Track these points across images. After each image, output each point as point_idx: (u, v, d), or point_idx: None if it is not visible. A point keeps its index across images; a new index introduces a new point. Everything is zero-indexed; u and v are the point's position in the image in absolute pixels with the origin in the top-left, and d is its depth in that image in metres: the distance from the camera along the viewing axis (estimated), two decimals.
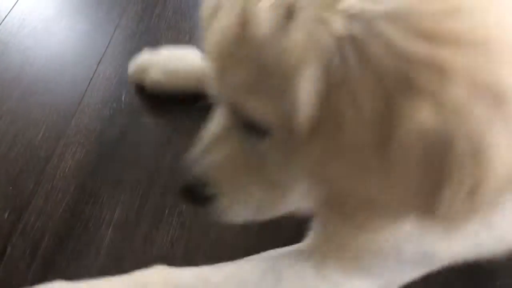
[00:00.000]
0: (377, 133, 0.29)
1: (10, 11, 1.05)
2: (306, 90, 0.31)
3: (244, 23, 0.34)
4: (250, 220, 0.52)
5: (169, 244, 0.70)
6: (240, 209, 0.50)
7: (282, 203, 0.50)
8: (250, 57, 0.35)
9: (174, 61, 0.87)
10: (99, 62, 0.94)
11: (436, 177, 0.29)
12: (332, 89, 0.30)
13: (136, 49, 0.97)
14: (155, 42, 0.99)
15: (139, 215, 0.73)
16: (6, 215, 0.72)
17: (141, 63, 0.87)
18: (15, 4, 1.06)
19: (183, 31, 1.02)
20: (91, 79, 0.91)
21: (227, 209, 0.50)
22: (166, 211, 0.74)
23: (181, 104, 0.86)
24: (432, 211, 0.31)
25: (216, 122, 0.48)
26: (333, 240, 0.53)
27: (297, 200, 0.49)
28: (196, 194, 0.49)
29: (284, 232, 0.71)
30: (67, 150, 0.81)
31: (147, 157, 0.81)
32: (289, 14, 0.31)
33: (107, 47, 0.98)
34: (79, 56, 0.95)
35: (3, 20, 1.03)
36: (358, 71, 0.29)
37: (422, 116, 0.28)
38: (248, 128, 0.42)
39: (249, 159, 0.45)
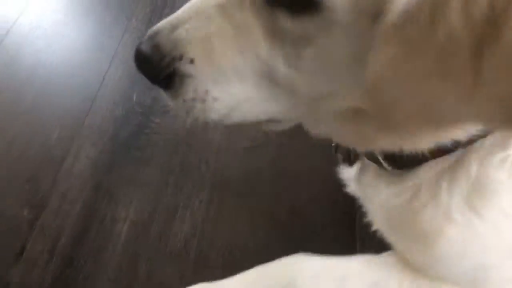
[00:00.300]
0: (478, 36, 0.27)
1: (20, 14, 1.07)
2: None
3: None
4: (214, 121, 0.43)
5: (182, 242, 0.73)
6: (210, 104, 0.41)
7: (265, 107, 0.42)
8: None
9: None
10: (109, 64, 0.96)
11: None
12: None
13: None
14: None
15: (152, 214, 0.76)
16: (25, 213, 0.75)
17: None
18: (25, 8, 1.08)
19: None
20: (102, 80, 0.93)
21: (193, 101, 0.41)
22: (179, 211, 0.76)
23: None
24: None
25: None
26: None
27: (281, 108, 0.42)
28: (157, 67, 0.41)
29: (294, 232, 0.74)
30: (82, 150, 0.83)
31: (159, 156, 0.83)
32: None
33: (116, 49, 1.00)
34: (90, 58, 0.97)
35: (15, 22, 1.05)
36: None
37: None
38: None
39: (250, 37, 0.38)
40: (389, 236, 0.53)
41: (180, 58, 0.40)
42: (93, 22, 1.05)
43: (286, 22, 0.36)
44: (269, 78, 0.40)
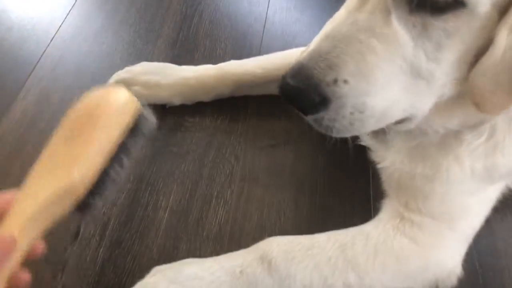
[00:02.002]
0: None
1: (63, 21, 1.17)
2: None
3: None
4: (370, 129, 0.53)
5: (217, 227, 0.82)
6: (368, 113, 0.49)
7: (407, 104, 0.50)
8: None
9: (155, 75, 0.95)
10: None
11: None
12: None
13: (177, 56, 1.09)
14: (194, 49, 1.11)
15: (190, 202, 0.85)
16: None
17: (122, 78, 0.95)
18: (67, 16, 1.18)
19: (218, 39, 1.13)
20: None
21: (351, 114, 0.49)
22: (213, 200, 0.85)
23: (219, 105, 0.98)
24: None
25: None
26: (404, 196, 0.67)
27: (421, 101, 0.51)
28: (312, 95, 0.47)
29: (316, 219, 0.83)
30: None
31: (194, 152, 0.92)
32: None
33: (151, 54, 1.10)
34: (128, 62, 1.06)
35: (58, 29, 1.15)
36: None
37: None
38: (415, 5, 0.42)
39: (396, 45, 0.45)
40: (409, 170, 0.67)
41: (335, 82, 0.46)
42: (128, 30, 1.15)
43: (431, 22, 0.43)
44: (413, 75, 0.46)
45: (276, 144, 0.94)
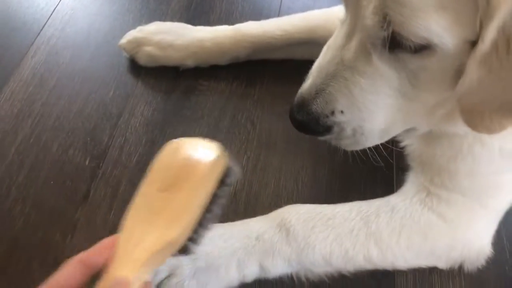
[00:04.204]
0: None
1: None
2: (501, 18, 0.40)
3: None
4: (374, 143, 0.60)
5: (232, 194, 0.79)
6: (367, 133, 0.56)
7: (405, 121, 0.56)
8: None
9: (169, 35, 0.91)
10: None
11: None
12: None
13: (192, 18, 1.05)
14: (210, 10, 1.06)
15: None
16: (87, 162, 0.82)
17: (134, 38, 0.92)
18: None
19: (235, 2, 1.08)
20: None
21: (353, 136, 0.57)
22: None
23: (235, 69, 0.94)
24: None
25: (334, 49, 0.54)
26: (431, 173, 0.65)
27: (416, 117, 0.56)
28: (318, 126, 0.56)
29: (334, 188, 0.79)
30: (136, 108, 0.89)
31: (208, 116, 0.89)
32: None
33: (165, 15, 1.05)
34: (140, 23, 1.01)
35: None
36: None
37: None
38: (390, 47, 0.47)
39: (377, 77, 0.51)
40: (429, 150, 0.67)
41: (332, 113, 0.54)
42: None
43: (409, 58, 0.48)
44: (405, 99, 0.53)
45: None
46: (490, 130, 0.51)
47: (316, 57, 0.79)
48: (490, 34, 0.41)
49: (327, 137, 0.59)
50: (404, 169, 0.74)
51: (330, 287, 0.68)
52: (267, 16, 0.99)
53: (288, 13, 0.96)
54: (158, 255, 0.49)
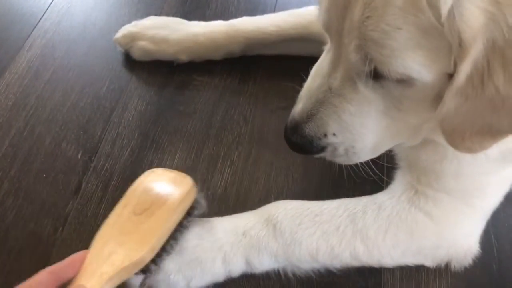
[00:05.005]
0: None
1: None
2: (472, 56, 0.43)
3: None
4: (366, 159, 0.63)
5: (223, 188, 0.79)
6: (359, 152, 0.59)
7: (393, 138, 0.59)
8: (420, 18, 0.44)
9: (163, 29, 0.91)
10: None
11: None
12: (488, 54, 0.43)
13: (187, 13, 1.05)
14: (205, 5, 1.06)
15: (196, 162, 0.82)
16: (79, 155, 0.82)
17: (129, 32, 0.92)
18: None
19: None
20: None
21: (346, 154, 0.60)
22: (219, 161, 0.82)
23: (229, 64, 0.94)
24: None
25: (320, 77, 0.56)
26: (419, 173, 0.66)
27: (403, 135, 0.59)
28: (311, 148, 0.59)
29: (326, 183, 0.79)
30: (130, 102, 0.89)
31: (201, 111, 0.89)
32: None
33: (161, 10, 1.05)
34: (136, 17, 1.02)
35: None
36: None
37: None
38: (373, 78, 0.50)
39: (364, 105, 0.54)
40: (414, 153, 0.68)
41: (325, 135, 0.58)
42: None
43: (393, 86, 0.51)
44: (393, 119, 0.56)
45: (287, 106, 0.86)
46: (471, 150, 0.53)
47: (310, 53, 0.80)
48: (464, 70, 0.44)
49: (321, 155, 0.61)
50: (393, 167, 0.74)
51: (317, 283, 0.69)
52: (263, 12, 0.99)
53: (284, 8, 0.96)
54: (123, 272, 0.53)
